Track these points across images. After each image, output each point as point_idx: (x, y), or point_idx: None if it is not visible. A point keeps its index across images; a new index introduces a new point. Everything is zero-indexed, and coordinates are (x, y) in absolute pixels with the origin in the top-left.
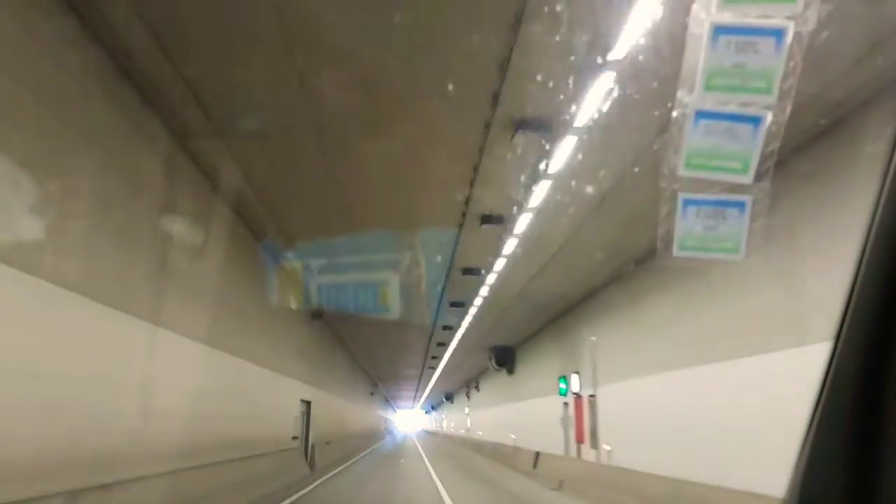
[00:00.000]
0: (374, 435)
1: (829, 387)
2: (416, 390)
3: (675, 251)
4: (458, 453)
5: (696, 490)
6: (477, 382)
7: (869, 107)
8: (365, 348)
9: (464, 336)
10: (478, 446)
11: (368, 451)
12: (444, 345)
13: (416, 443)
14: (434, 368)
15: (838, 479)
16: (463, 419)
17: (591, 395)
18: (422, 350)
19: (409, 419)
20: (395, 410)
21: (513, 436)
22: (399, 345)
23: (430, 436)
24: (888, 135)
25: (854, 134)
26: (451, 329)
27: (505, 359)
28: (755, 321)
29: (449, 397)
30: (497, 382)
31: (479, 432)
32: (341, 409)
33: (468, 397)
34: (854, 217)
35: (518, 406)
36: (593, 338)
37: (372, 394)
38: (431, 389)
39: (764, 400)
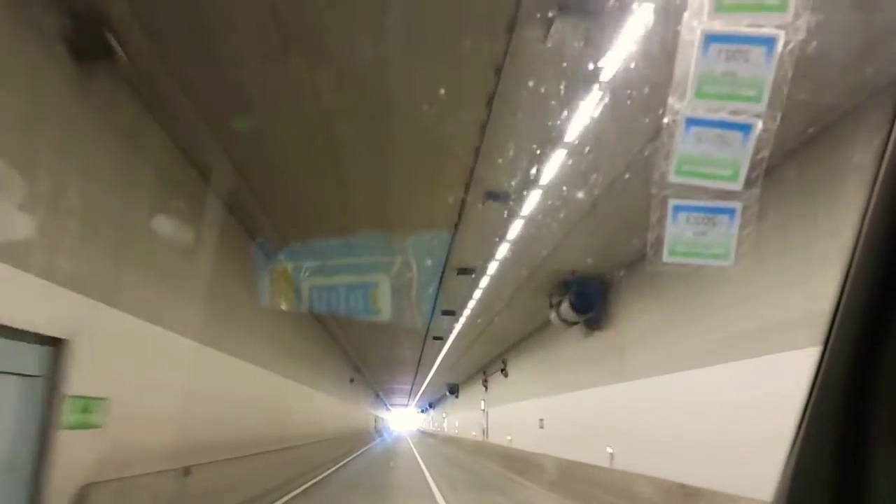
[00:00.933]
0: (356, 437)
1: (817, 391)
2: (412, 384)
3: (665, 257)
4: (496, 479)
5: None
6: (504, 364)
7: (858, 115)
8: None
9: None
10: (521, 464)
11: (333, 469)
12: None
13: (414, 450)
14: (443, 339)
15: (826, 482)
16: (475, 418)
17: None
18: (422, 325)
19: (403, 418)
20: (388, 409)
21: (610, 449)
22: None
23: (430, 438)
24: (877, 143)
25: (843, 142)
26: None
27: (590, 301)
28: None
29: (453, 391)
30: (554, 355)
31: (508, 437)
32: (277, 391)
33: (485, 387)
34: (842, 224)
35: (622, 390)
36: None
37: (352, 380)
38: (430, 382)
39: None
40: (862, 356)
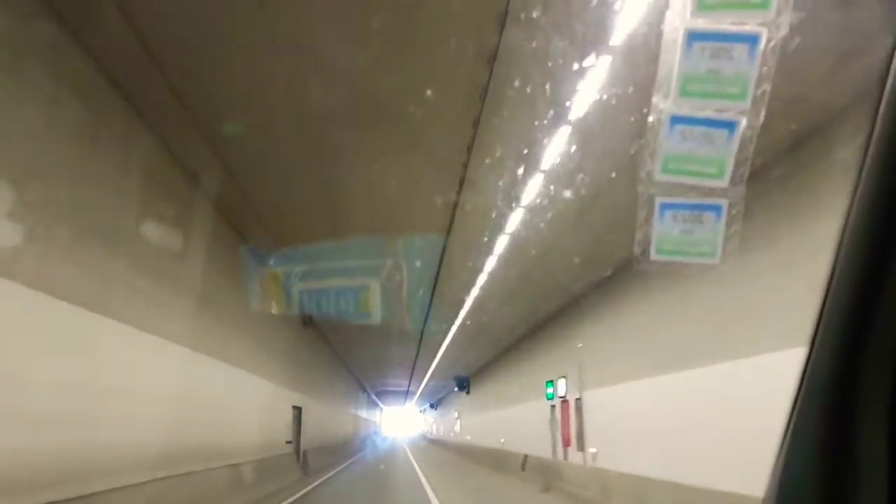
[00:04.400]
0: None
1: (805, 389)
2: (412, 373)
3: (653, 255)
4: None
5: None
6: None
7: (842, 113)
8: None
9: None
10: None
11: None
12: None
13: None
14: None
15: (816, 478)
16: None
17: None
18: None
19: (399, 419)
20: (379, 406)
21: None
22: None
23: (452, 454)
24: (861, 141)
25: (828, 140)
26: None
27: None
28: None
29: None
30: None
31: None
32: None
33: None
34: (828, 222)
35: None
36: None
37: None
38: (439, 364)
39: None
40: (848, 355)
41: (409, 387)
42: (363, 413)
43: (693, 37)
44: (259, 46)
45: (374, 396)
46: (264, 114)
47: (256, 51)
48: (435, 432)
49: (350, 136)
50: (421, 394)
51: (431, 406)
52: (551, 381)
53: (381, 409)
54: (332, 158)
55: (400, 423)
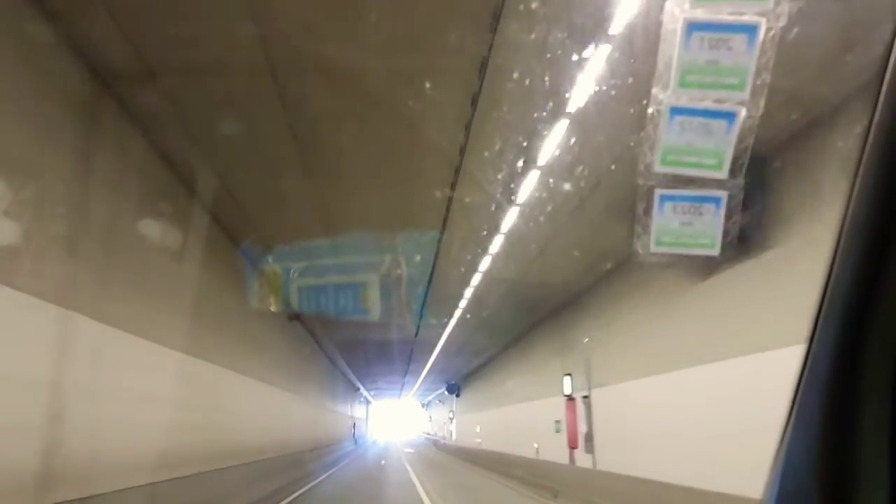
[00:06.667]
0: None
1: (804, 387)
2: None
3: (652, 247)
4: None
5: None
6: None
7: (841, 103)
8: None
9: None
10: None
11: None
12: None
13: None
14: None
15: (815, 478)
16: None
17: None
18: None
19: (393, 417)
20: (365, 397)
21: None
22: None
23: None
24: (859, 132)
25: (827, 131)
26: None
27: None
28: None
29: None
30: None
31: None
32: None
33: None
34: (828, 215)
35: None
36: None
37: None
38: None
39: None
40: (847, 352)
41: (409, 361)
42: (351, 410)
43: (693, 27)
44: (252, 46)
45: (359, 385)
46: (257, 111)
47: (249, 50)
48: (456, 437)
49: (344, 134)
50: (427, 375)
51: (449, 390)
52: None
53: (369, 401)
54: (325, 157)
55: (393, 420)
